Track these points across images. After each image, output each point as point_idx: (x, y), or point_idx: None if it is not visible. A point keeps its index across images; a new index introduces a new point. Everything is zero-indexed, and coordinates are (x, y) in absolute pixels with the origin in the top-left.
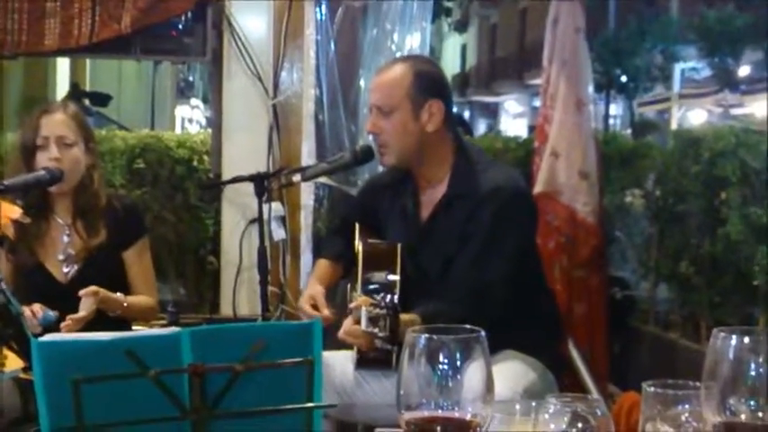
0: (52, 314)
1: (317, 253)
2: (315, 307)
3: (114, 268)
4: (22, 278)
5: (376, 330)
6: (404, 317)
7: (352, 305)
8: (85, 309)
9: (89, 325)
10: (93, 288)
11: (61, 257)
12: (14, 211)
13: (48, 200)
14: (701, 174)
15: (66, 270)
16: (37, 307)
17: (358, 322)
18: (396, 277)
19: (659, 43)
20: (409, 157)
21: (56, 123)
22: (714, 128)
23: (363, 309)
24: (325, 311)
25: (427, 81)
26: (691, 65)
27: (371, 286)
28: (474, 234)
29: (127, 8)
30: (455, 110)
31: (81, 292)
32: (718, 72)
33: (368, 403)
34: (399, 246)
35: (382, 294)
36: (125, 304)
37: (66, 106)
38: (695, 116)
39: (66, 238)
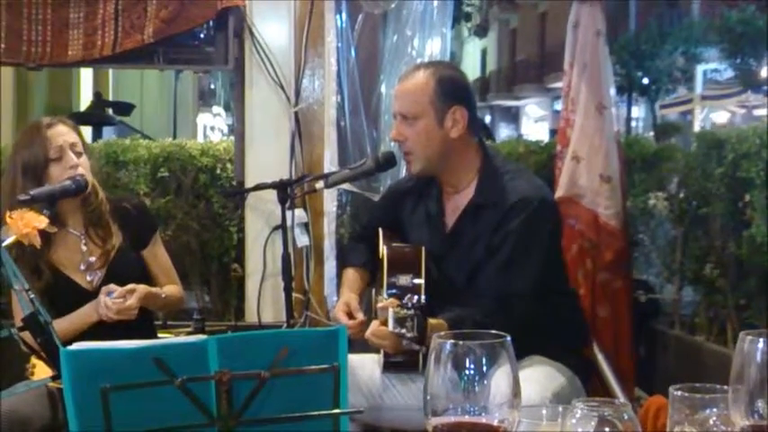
0: (114, 290)
1: (342, 262)
2: (349, 315)
3: (136, 267)
4: (47, 292)
5: (403, 331)
6: (431, 321)
7: (379, 305)
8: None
9: (116, 331)
10: (130, 286)
11: (83, 267)
12: (41, 221)
13: (58, 214)
14: (724, 176)
15: (90, 278)
16: (109, 300)
17: (384, 323)
18: (420, 280)
19: (680, 45)
20: (435, 164)
21: (64, 133)
22: (738, 129)
23: (390, 310)
24: (360, 315)
25: (450, 87)
26: (713, 66)
27: (396, 290)
28: (501, 244)
29: (149, 18)
30: None
31: (114, 295)
32: (741, 73)
33: (395, 406)
34: (423, 249)
35: (409, 295)
36: (163, 296)
37: (62, 119)
38: (718, 117)
39: (84, 248)
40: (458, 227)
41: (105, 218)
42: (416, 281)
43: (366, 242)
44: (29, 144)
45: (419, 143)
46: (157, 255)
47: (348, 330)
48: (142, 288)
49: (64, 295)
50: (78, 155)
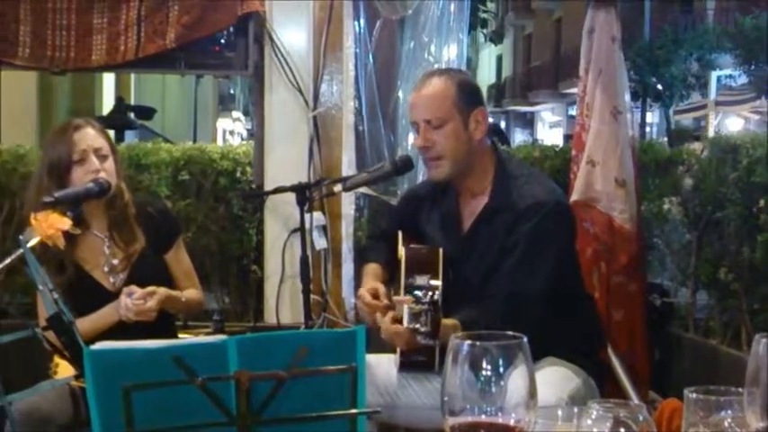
0: (135, 292)
1: (362, 259)
2: (375, 296)
3: (158, 271)
4: (69, 292)
5: (418, 326)
6: (445, 321)
7: (395, 298)
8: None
9: (138, 332)
10: (150, 288)
11: (106, 269)
12: (65, 223)
13: (82, 215)
14: (738, 180)
15: (112, 280)
16: (129, 302)
17: (399, 321)
18: (438, 282)
19: (695, 51)
20: (462, 167)
21: (90, 137)
22: (752, 135)
23: (405, 306)
24: (385, 300)
25: (469, 90)
26: (727, 72)
27: (414, 290)
28: (514, 247)
29: (171, 24)
30: (491, 119)
31: (134, 297)
32: (755, 79)
33: (411, 405)
34: (441, 250)
35: (424, 291)
36: (183, 300)
37: (91, 121)
38: (732, 123)
39: (107, 250)
40: (473, 230)
41: (130, 221)
42: (433, 282)
43: (386, 242)
44: (55, 145)
45: (448, 147)
46: (180, 259)
47: (371, 311)
48: (162, 291)
49: (87, 295)
50: (103, 159)
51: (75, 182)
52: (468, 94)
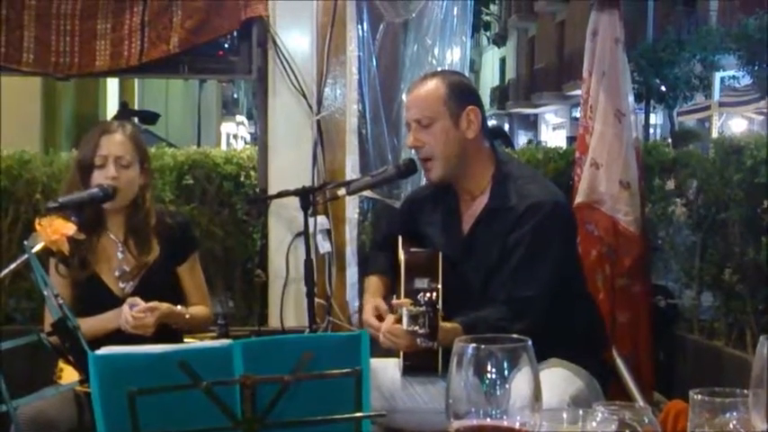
0: (137, 304)
1: (364, 270)
2: (379, 318)
3: (169, 282)
4: (78, 290)
5: (416, 328)
6: (446, 324)
7: (393, 302)
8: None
9: (143, 336)
10: (153, 304)
11: (117, 274)
12: (69, 228)
13: (102, 217)
14: (743, 181)
15: (122, 286)
16: (128, 314)
17: (399, 321)
18: (437, 285)
19: (698, 52)
20: (454, 167)
21: (114, 144)
22: (756, 136)
23: (404, 308)
24: (390, 318)
25: (461, 90)
26: (730, 73)
27: (413, 293)
28: (515, 248)
29: (175, 29)
30: (495, 122)
31: (135, 310)
32: (759, 80)
33: (415, 409)
34: (440, 254)
35: (422, 294)
36: (187, 316)
37: (125, 127)
38: (736, 124)
39: (120, 255)
40: (474, 232)
41: (147, 231)
42: (433, 285)
43: (386, 251)
44: (84, 145)
45: (438, 146)
46: (193, 274)
47: (377, 333)
48: (165, 307)
49: (95, 295)
50: (123, 167)
51: (94, 185)
52: (459, 93)
